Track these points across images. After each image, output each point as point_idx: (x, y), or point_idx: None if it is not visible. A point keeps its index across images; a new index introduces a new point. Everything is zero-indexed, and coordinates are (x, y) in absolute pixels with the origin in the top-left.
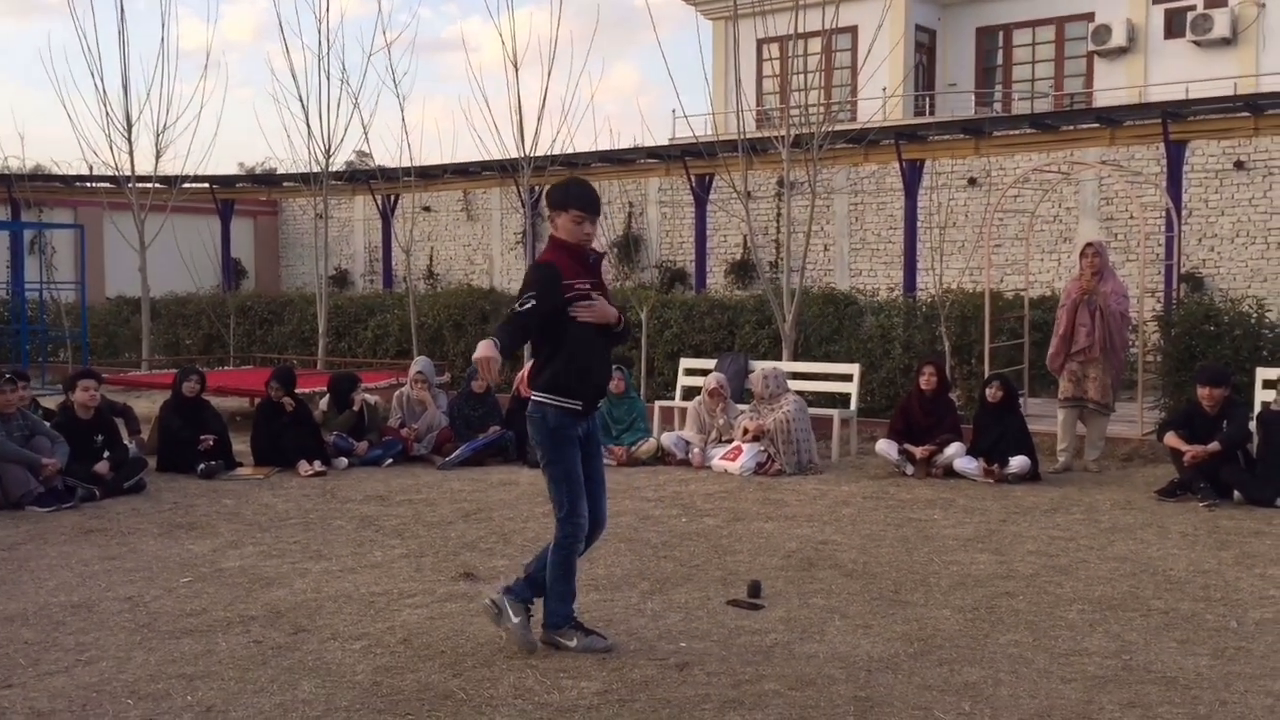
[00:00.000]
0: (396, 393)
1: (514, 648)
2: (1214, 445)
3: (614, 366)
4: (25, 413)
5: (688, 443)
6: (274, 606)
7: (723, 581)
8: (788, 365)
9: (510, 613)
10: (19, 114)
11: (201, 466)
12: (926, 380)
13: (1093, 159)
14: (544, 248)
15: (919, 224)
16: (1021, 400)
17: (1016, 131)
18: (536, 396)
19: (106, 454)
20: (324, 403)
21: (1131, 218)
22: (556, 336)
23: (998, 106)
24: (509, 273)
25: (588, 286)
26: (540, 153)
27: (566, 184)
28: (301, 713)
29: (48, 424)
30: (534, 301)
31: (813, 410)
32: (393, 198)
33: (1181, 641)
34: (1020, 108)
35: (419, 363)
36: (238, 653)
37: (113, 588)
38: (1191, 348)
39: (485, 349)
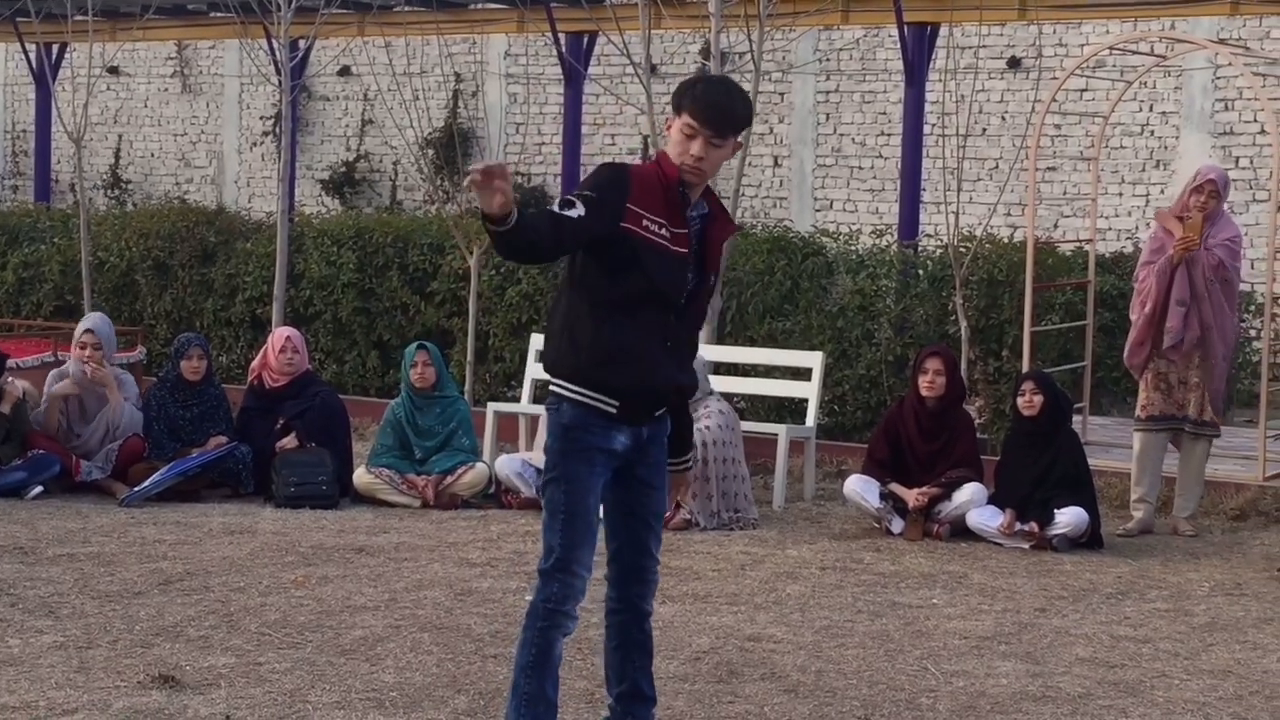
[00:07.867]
0: (50, 374)
1: None
2: None
3: (418, 345)
4: None
5: (538, 471)
6: None
7: (588, 699)
8: (707, 351)
9: None
10: None
11: None
12: (929, 382)
13: (1205, 35)
14: None
15: (927, 129)
16: (1078, 418)
17: None
18: (554, 384)
19: None
20: None
21: (1263, 132)
22: (588, 284)
23: None
24: (253, 183)
25: (663, 232)
26: None
27: (700, 76)
28: None
29: None
30: (583, 207)
31: (746, 425)
32: (56, 49)
33: None
34: None
35: (91, 320)
36: None
37: None
38: None
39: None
